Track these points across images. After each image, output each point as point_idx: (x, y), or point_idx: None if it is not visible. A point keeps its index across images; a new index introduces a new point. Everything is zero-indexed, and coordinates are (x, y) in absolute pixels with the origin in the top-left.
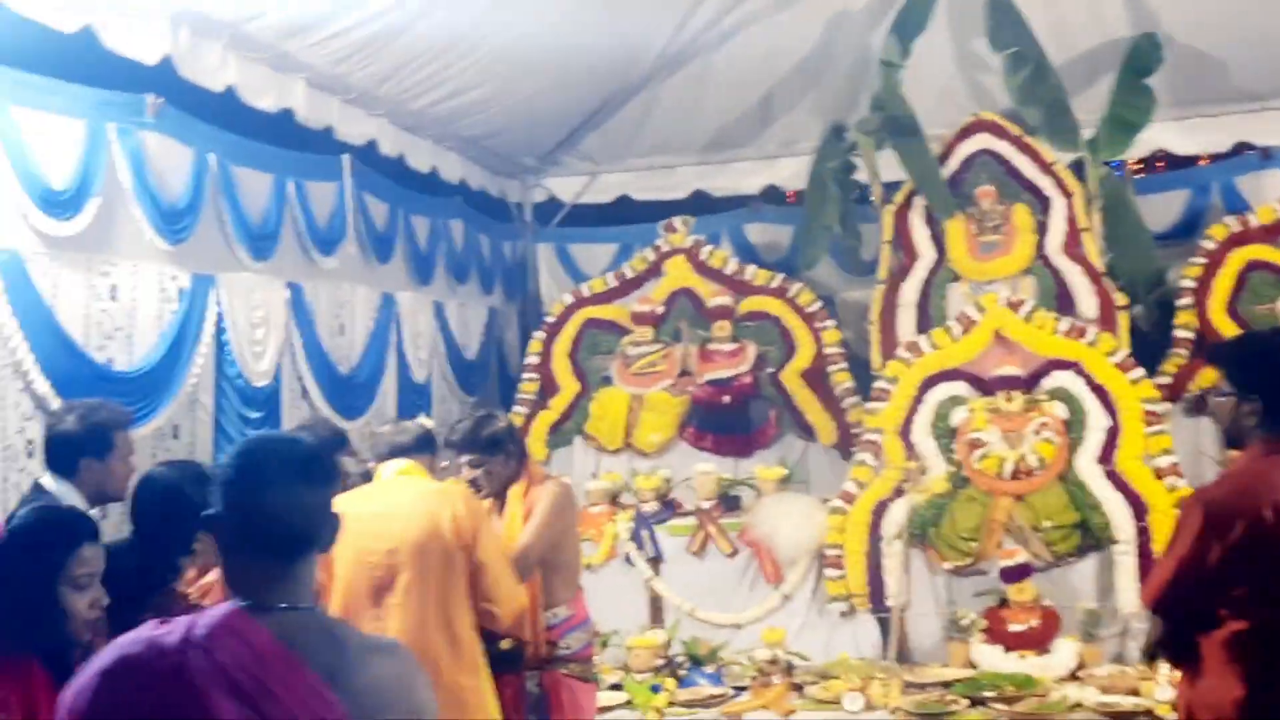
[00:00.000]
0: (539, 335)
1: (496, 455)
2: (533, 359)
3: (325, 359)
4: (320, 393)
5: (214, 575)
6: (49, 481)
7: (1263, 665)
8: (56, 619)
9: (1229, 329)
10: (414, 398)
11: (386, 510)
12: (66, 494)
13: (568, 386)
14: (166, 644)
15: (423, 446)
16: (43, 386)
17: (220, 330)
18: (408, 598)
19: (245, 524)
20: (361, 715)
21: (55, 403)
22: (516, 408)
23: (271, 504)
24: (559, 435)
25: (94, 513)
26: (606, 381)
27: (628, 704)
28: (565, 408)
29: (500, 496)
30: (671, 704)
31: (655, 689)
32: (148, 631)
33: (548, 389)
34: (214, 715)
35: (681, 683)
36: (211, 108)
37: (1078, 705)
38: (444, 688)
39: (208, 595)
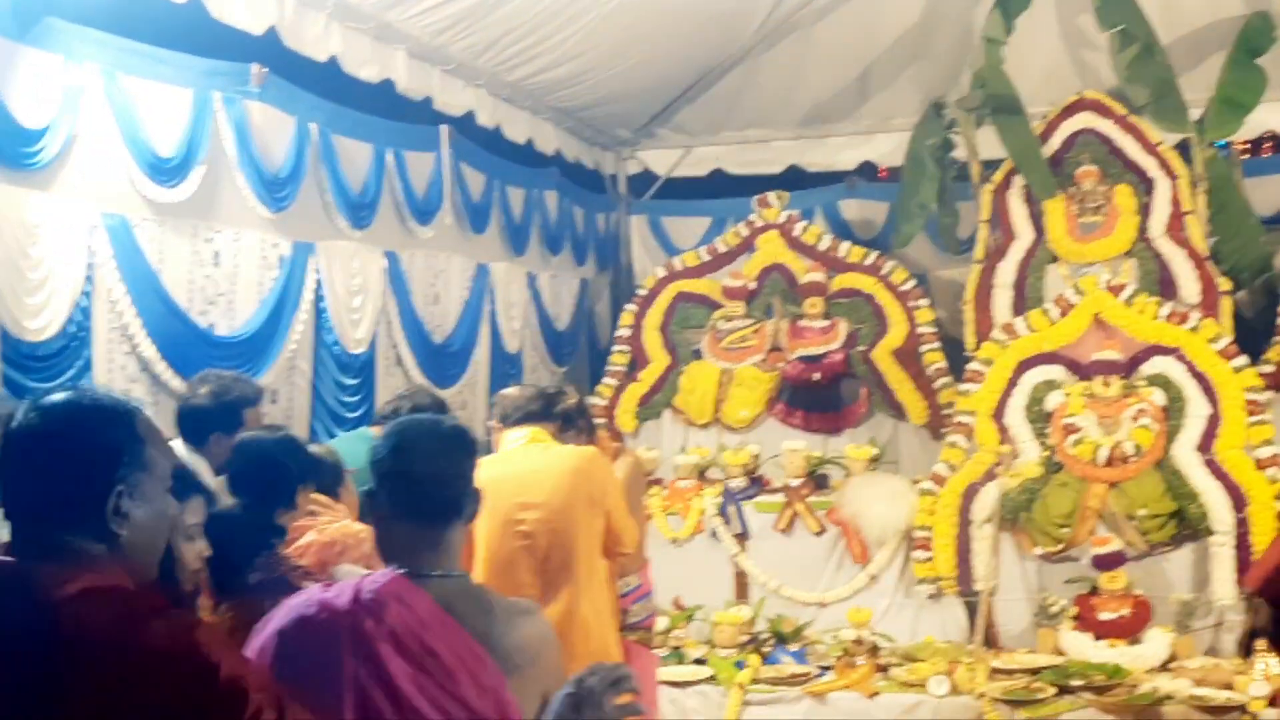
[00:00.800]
0: (630, 307)
1: (568, 430)
2: (623, 331)
3: (420, 328)
4: (414, 361)
5: (312, 535)
6: (180, 450)
7: None
8: (169, 566)
9: None
10: (506, 367)
11: (530, 476)
12: (196, 464)
13: (658, 359)
14: (339, 606)
15: (548, 413)
16: (148, 350)
17: (319, 298)
18: (557, 562)
19: (400, 495)
20: (510, 673)
21: (159, 365)
22: (606, 379)
23: (422, 476)
24: (648, 408)
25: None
26: (696, 355)
27: (711, 679)
28: (655, 380)
29: None
30: (755, 680)
31: (739, 665)
32: (318, 594)
33: (638, 361)
34: (387, 672)
35: (766, 660)
36: (314, 77)
37: (1168, 697)
38: (594, 649)
39: (305, 555)
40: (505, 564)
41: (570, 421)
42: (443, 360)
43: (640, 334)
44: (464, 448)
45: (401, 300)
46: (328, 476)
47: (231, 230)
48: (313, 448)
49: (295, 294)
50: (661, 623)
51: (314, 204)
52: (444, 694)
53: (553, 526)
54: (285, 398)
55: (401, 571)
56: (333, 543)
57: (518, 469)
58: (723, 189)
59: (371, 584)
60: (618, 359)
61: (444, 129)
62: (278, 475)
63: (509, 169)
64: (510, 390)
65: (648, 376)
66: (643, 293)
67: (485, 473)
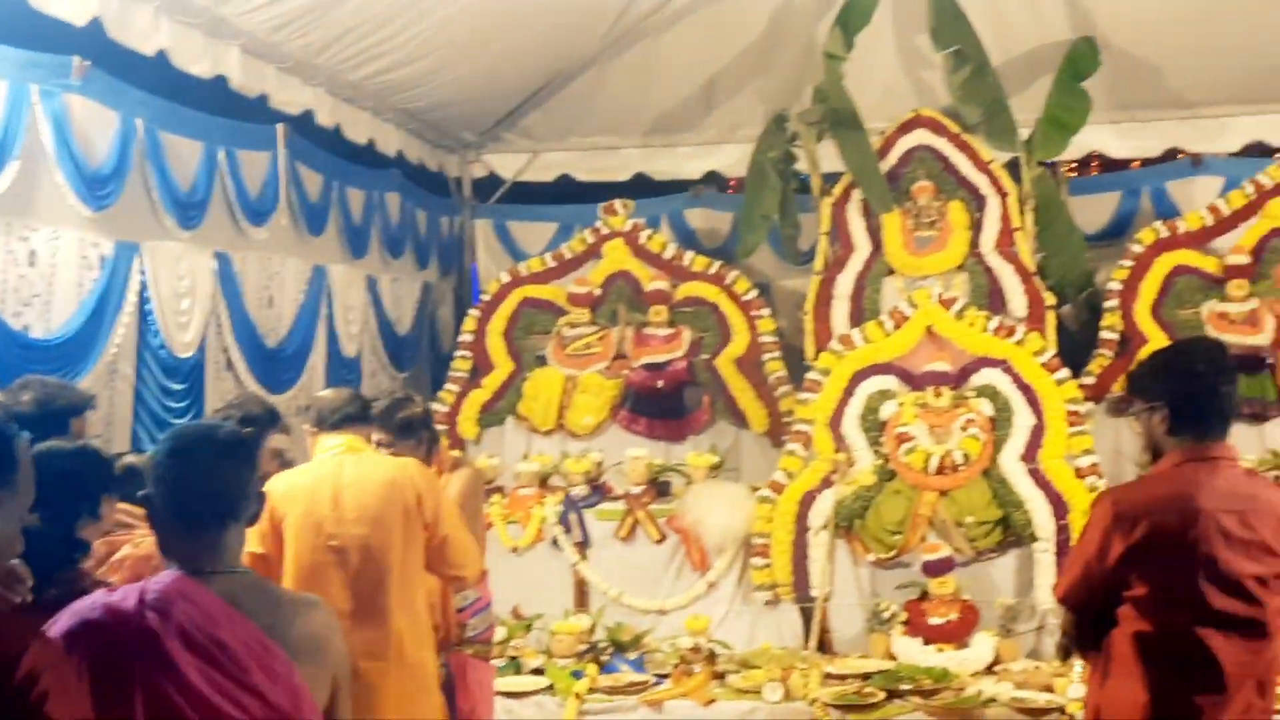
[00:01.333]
0: (474, 313)
1: (408, 439)
2: (466, 336)
3: (252, 331)
4: (246, 365)
5: (127, 550)
6: None
7: (1164, 670)
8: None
9: (1153, 332)
10: (344, 372)
11: (344, 489)
12: None
13: (501, 365)
14: (125, 608)
15: (366, 417)
16: None
17: (144, 300)
18: (371, 578)
19: (176, 500)
20: (299, 662)
21: None
22: (448, 385)
23: (197, 482)
24: (491, 415)
25: None
26: (541, 362)
27: (549, 689)
28: (498, 387)
29: None
30: (592, 690)
31: (577, 675)
32: (101, 599)
33: (481, 367)
34: (178, 668)
35: (604, 669)
36: (142, 72)
37: (992, 700)
38: (407, 665)
39: (120, 570)
40: (314, 578)
41: (413, 430)
42: (276, 365)
43: (484, 340)
44: (239, 454)
45: (233, 303)
46: (141, 487)
47: (49, 229)
48: (130, 458)
49: (118, 295)
50: (500, 633)
51: (140, 203)
52: (236, 685)
53: (366, 542)
54: (106, 402)
55: (183, 571)
56: (149, 556)
57: (331, 480)
58: (570, 195)
59: (156, 584)
60: (460, 365)
61: (280, 127)
62: (76, 487)
63: (349, 170)
64: (325, 393)
65: (491, 383)
66: (487, 298)
67: (297, 481)
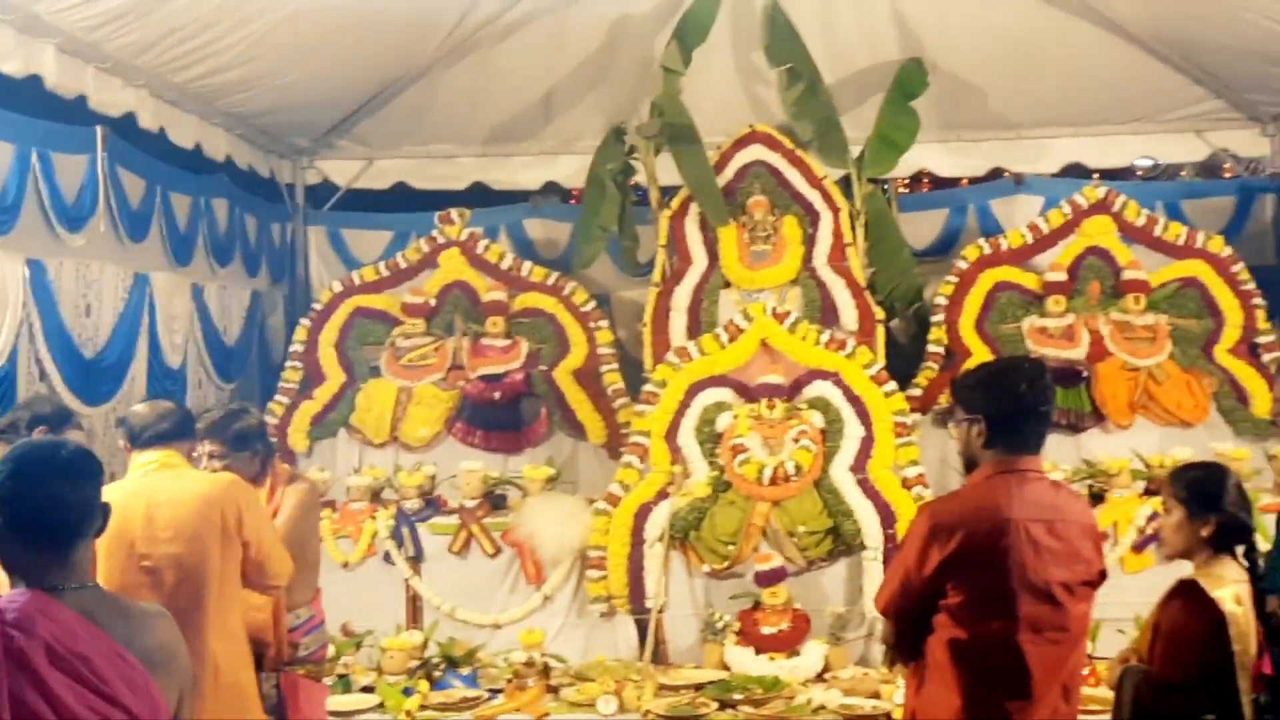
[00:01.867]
0: (305, 322)
1: (243, 451)
2: (297, 347)
3: (68, 341)
4: (60, 376)
5: None
6: None
7: (977, 676)
8: None
9: (977, 346)
10: (167, 383)
11: (157, 507)
12: None
13: (333, 376)
14: None
15: (185, 432)
16: None
17: None
18: (185, 598)
19: (20, 520)
20: (152, 672)
21: None
22: (278, 397)
23: (41, 501)
24: (322, 427)
25: None
26: (375, 373)
27: (379, 707)
28: (330, 399)
29: None
30: (424, 707)
31: (408, 692)
32: None
33: (312, 378)
34: (47, 684)
35: (436, 685)
36: None
37: (821, 708)
38: (224, 687)
39: None
40: (130, 594)
41: (248, 442)
42: (94, 376)
43: (315, 350)
44: (83, 473)
45: (46, 311)
46: None
47: None
48: None
49: None
50: (329, 650)
51: None
52: (101, 699)
53: (180, 561)
54: None
55: (36, 589)
56: None
57: (144, 498)
58: (406, 203)
59: (11, 603)
60: (291, 375)
61: (99, 130)
62: None
63: (173, 174)
64: (139, 408)
65: (322, 394)
66: (318, 307)
67: (110, 499)
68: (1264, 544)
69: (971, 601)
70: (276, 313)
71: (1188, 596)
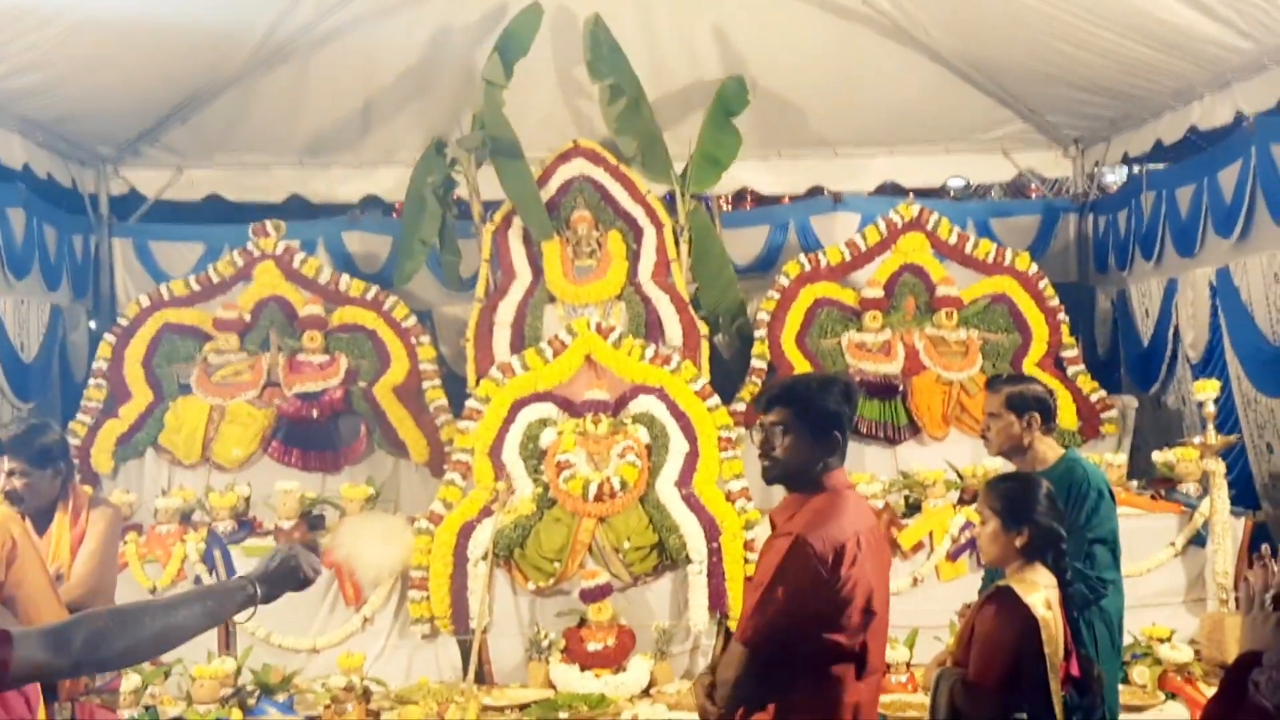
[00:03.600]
0: (109, 338)
1: (45, 469)
2: (101, 364)
3: None
4: None
5: None
6: None
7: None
8: None
9: (799, 360)
10: None
11: None
12: None
13: (140, 394)
14: None
15: None
16: None
17: None
18: None
19: None
20: None
21: None
22: (81, 416)
23: None
24: (128, 447)
25: None
26: (185, 390)
27: None
28: (136, 417)
29: (38, 515)
30: None
31: None
32: None
33: (118, 396)
34: None
35: (250, 713)
36: None
37: None
38: None
39: None
40: None
41: (51, 458)
42: None
43: (121, 367)
44: None
45: None
46: None
47: None
48: None
49: None
50: (133, 680)
51: None
52: None
53: None
54: None
55: None
56: None
57: None
58: (220, 215)
59: None
60: (94, 394)
61: None
62: None
63: None
64: None
65: (128, 413)
66: (124, 322)
67: None
68: None
69: (864, 622)
70: (79, 328)
71: (1002, 602)
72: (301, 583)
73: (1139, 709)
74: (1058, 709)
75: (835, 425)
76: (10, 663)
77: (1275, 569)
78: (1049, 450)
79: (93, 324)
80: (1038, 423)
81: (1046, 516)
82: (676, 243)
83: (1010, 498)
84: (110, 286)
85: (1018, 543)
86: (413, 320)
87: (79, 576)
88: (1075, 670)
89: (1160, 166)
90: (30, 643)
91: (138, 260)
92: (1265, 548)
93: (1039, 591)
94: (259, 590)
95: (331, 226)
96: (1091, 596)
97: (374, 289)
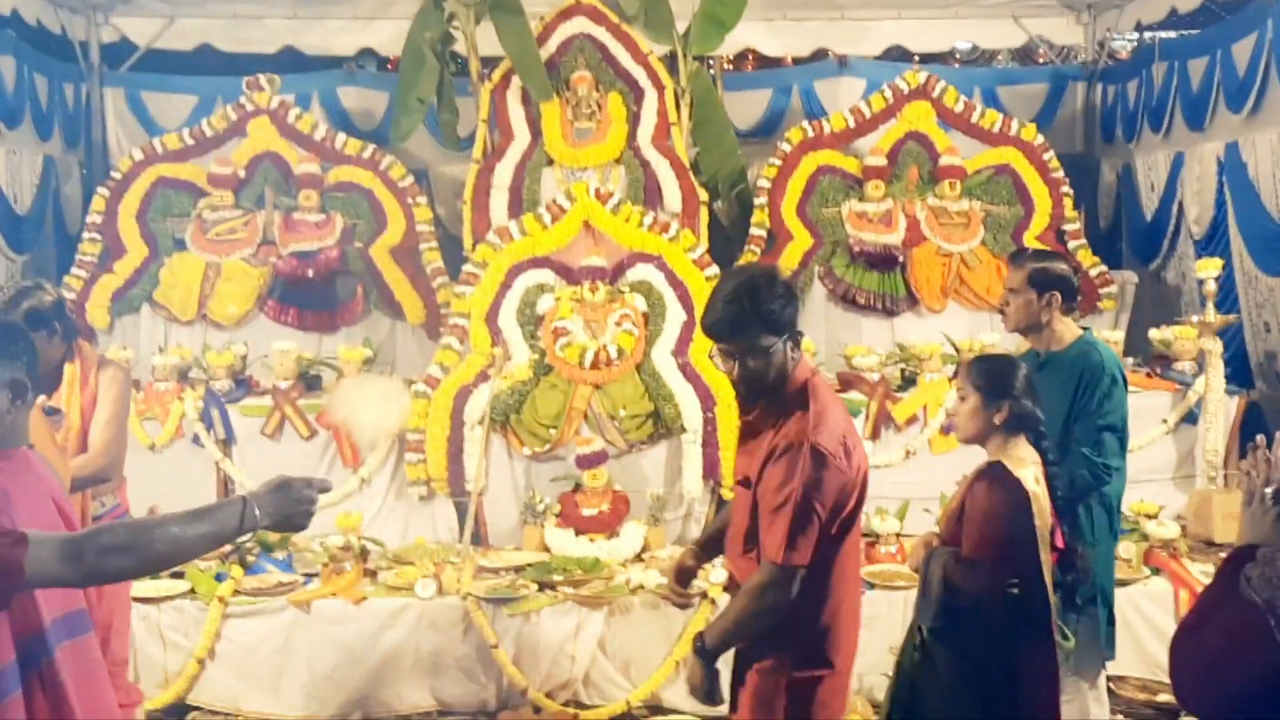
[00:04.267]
0: (103, 191)
1: (38, 332)
2: (95, 217)
3: None
4: None
5: None
6: None
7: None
8: None
9: (799, 230)
10: None
11: None
12: None
13: (135, 249)
14: None
15: None
16: None
17: None
18: None
19: None
20: None
21: None
22: (75, 270)
23: None
24: (124, 302)
25: None
26: (180, 246)
27: (190, 593)
28: (131, 273)
29: (43, 380)
30: (237, 592)
31: (220, 577)
32: None
33: (112, 251)
34: None
35: (249, 570)
36: None
37: (640, 587)
38: None
39: None
40: None
41: (44, 321)
42: None
43: (115, 221)
44: None
45: None
46: None
47: None
48: None
49: None
50: None
51: None
52: None
53: None
54: None
55: None
56: None
57: None
58: (212, 66)
59: None
60: (89, 248)
61: None
62: None
63: None
64: None
65: (124, 268)
66: (118, 176)
67: None
68: None
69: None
70: (72, 180)
71: (994, 477)
72: (301, 528)
73: (1124, 583)
74: (1048, 578)
75: (788, 325)
76: (25, 565)
77: (1275, 460)
78: (1067, 331)
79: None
80: (1058, 302)
81: (1026, 396)
82: (677, 106)
83: (991, 374)
84: (103, 137)
85: (997, 419)
86: (410, 180)
87: (99, 445)
88: (1060, 544)
89: (1173, 35)
90: (46, 549)
91: (130, 110)
92: (1260, 438)
93: (1028, 468)
94: (260, 515)
95: (326, 80)
96: (1094, 483)
97: (370, 147)
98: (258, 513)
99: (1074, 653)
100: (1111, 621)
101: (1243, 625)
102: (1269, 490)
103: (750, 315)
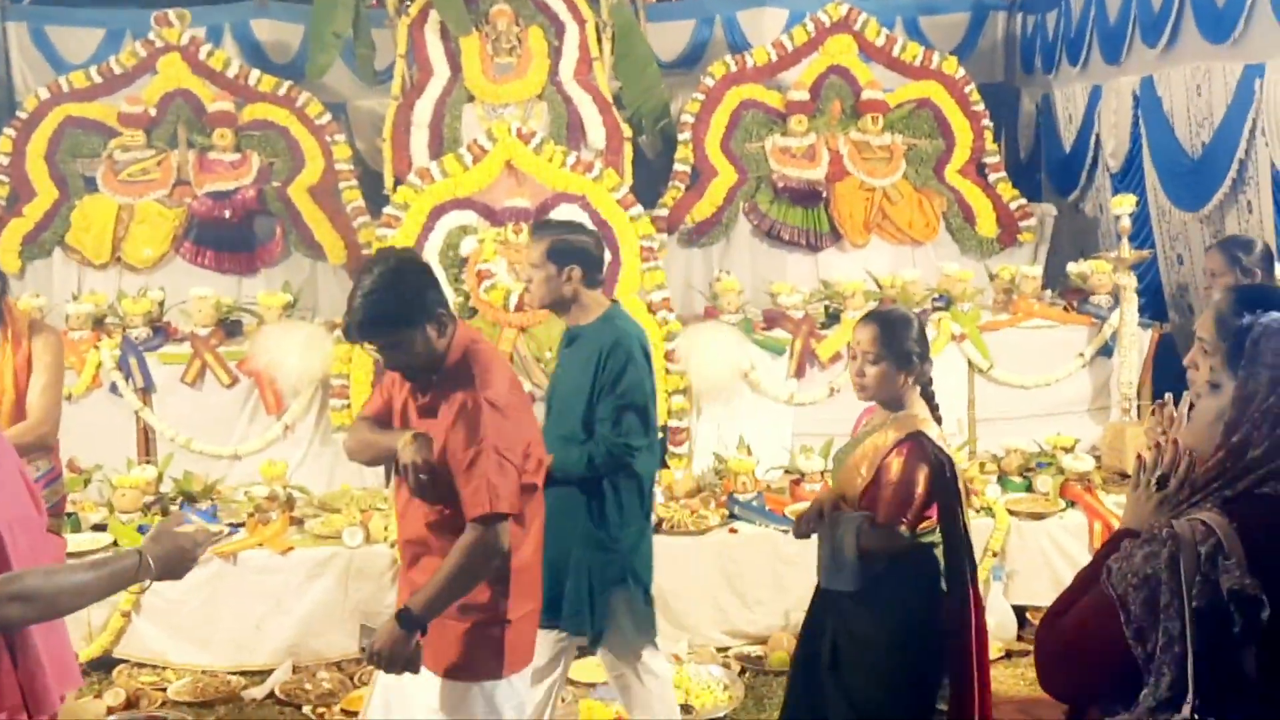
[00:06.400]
0: (9, 132)
1: None
2: (2, 159)
3: None
4: None
5: None
6: None
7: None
8: None
9: (723, 165)
10: None
11: None
12: None
13: (45, 192)
14: None
15: None
16: None
17: None
18: None
19: None
20: None
21: None
22: None
23: None
24: (35, 247)
25: None
26: (91, 187)
27: (113, 545)
28: (42, 216)
29: None
30: None
31: (142, 529)
32: None
33: (21, 194)
34: None
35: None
36: None
37: None
38: None
39: None
40: None
41: None
42: None
43: (23, 162)
44: None
45: None
46: None
47: None
48: None
49: None
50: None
51: None
52: None
53: None
54: None
55: None
56: None
57: None
58: None
59: None
60: None
61: None
62: None
63: None
64: None
65: (33, 211)
66: (24, 115)
67: None
68: (984, 361)
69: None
70: None
71: (914, 448)
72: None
73: (1040, 516)
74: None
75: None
76: None
77: (1169, 447)
78: (594, 303)
79: None
80: (578, 276)
81: (926, 354)
82: (599, 40)
83: (899, 338)
84: (6, 73)
85: (909, 380)
86: (327, 118)
87: (39, 413)
88: None
89: None
90: None
91: (34, 45)
92: (1168, 397)
93: (933, 425)
94: (153, 566)
95: (238, 12)
96: (616, 463)
97: (286, 84)
98: (151, 563)
99: (609, 635)
100: (649, 603)
101: (1096, 615)
102: (1155, 475)
103: (384, 315)
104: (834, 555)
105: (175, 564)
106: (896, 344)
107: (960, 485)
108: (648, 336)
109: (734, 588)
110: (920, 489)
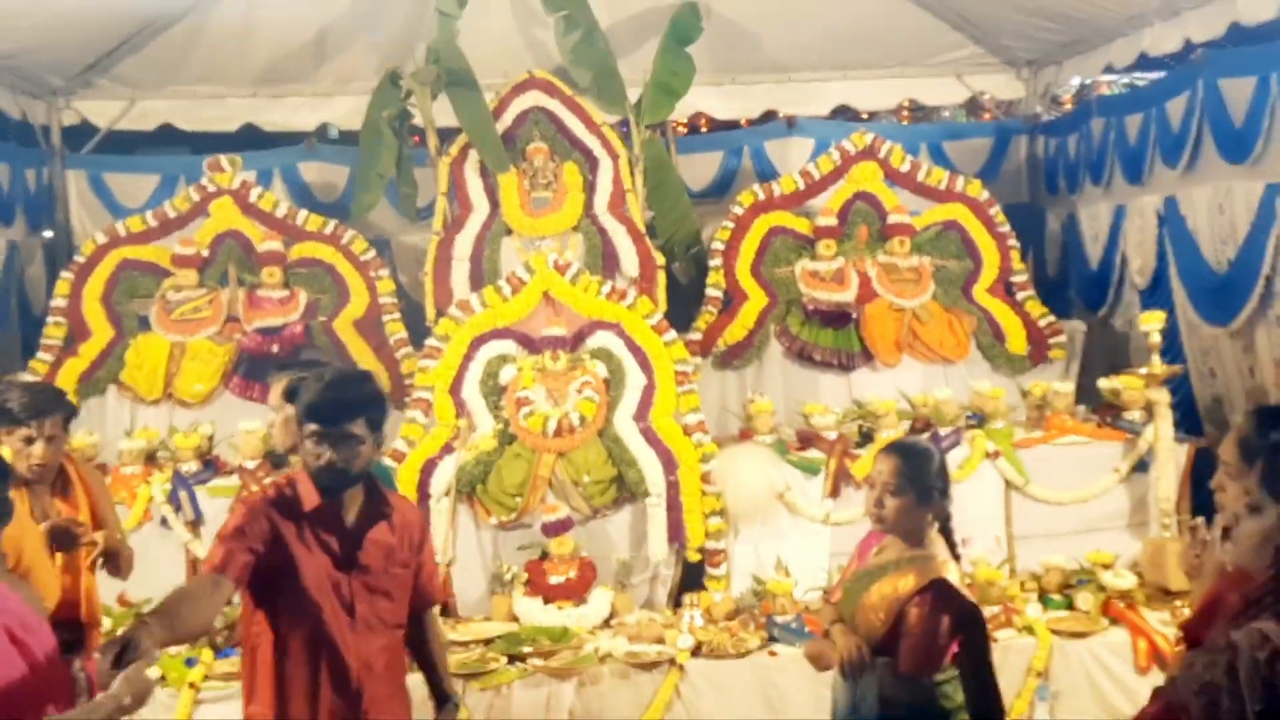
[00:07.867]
0: (67, 275)
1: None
2: (60, 301)
3: None
4: None
5: None
6: None
7: None
8: None
9: (753, 289)
10: None
11: None
12: None
13: (100, 332)
14: None
15: None
16: None
17: None
18: None
19: None
20: None
21: None
22: (41, 354)
23: None
24: (90, 385)
25: None
26: (144, 326)
27: (160, 680)
28: (97, 355)
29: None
30: (207, 677)
31: (190, 662)
32: None
33: (77, 334)
34: None
35: (219, 654)
36: None
37: (608, 655)
38: None
39: None
40: None
41: (11, 418)
42: None
43: (80, 304)
44: None
45: None
46: None
47: None
48: None
49: None
50: (105, 623)
51: None
52: None
53: None
54: None
55: None
56: None
57: None
58: (173, 145)
59: None
60: (53, 332)
61: None
62: None
63: None
64: None
65: (89, 350)
66: (81, 259)
67: None
68: (1019, 478)
69: None
70: (35, 263)
71: (937, 595)
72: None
73: (1083, 635)
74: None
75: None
76: None
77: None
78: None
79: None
80: None
81: (947, 490)
82: (632, 173)
83: (922, 472)
84: (66, 219)
85: (929, 517)
86: (371, 254)
87: (115, 540)
88: None
89: (1112, 79)
90: None
91: (92, 192)
92: (1199, 521)
93: (953, 568)
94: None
95: (287, 156)
96: None
97: (332, 223)
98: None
99: None
100: None
101: None
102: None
103: (368, 399)
104: (854, 702)
105: (143, 697)
106: (919, 477)
107: (986, 632)
108: None
109: (774, 710)
110: (944, 641)
